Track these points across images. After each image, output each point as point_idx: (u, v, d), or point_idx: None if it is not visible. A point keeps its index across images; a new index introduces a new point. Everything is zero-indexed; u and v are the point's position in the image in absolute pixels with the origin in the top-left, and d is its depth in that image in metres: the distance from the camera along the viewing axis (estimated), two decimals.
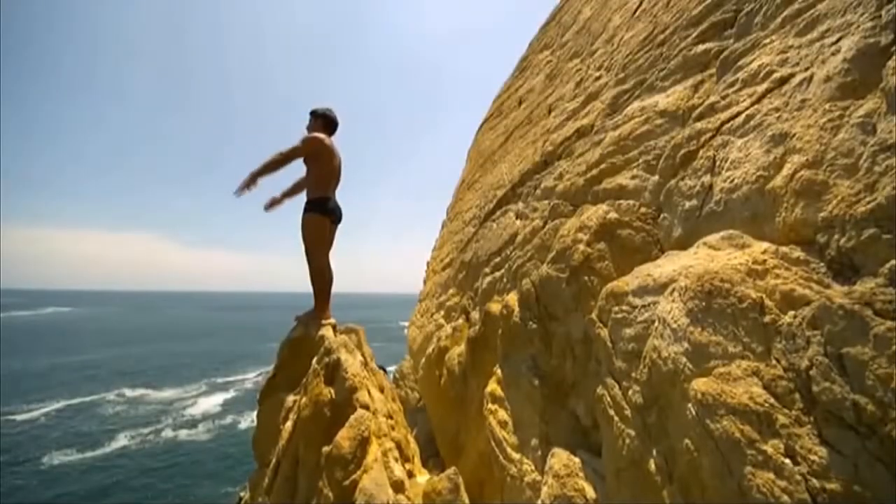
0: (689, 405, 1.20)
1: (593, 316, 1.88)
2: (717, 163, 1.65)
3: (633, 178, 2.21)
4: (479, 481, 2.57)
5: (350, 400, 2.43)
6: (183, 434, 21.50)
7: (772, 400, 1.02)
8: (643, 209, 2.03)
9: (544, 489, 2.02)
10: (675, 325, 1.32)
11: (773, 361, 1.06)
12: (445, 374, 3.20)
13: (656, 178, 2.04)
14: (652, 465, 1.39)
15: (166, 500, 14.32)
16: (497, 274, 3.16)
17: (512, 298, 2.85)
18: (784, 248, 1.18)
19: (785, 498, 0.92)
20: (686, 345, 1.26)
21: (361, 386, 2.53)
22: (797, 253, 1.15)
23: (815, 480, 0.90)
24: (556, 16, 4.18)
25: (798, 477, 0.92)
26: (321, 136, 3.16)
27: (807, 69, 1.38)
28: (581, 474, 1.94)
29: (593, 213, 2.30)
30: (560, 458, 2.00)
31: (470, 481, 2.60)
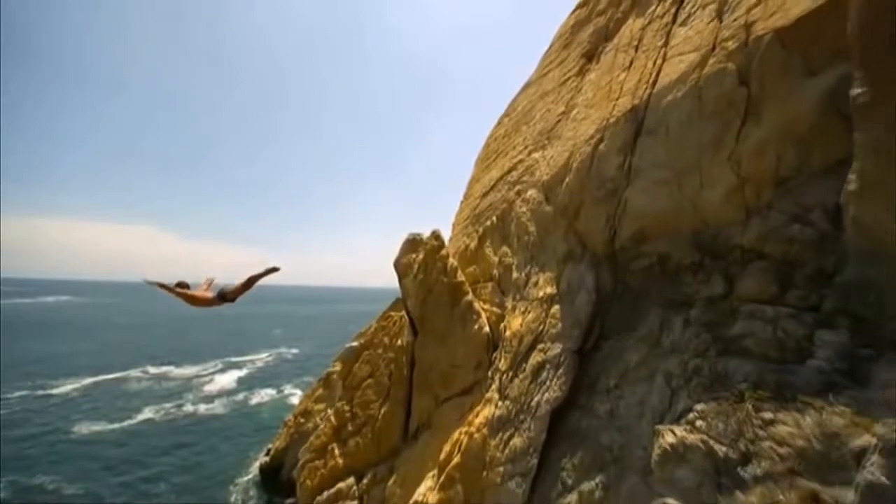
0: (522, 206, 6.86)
1: (511, 212, 7.52)
2: (535, 170, 7.28)
3: (527, 178, 7.81)
4: (482, 272, 8.40)
5: (443, 244, 8.18)
6: (202, 408, 23.34)
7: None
8: (526, 185, 7.68)
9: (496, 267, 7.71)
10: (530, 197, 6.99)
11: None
12: (468, 253, 8.98)
13: (531, 178, 7.66)
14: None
15: (188, 468, 15.82)
16: (489, 213, 8.94)
17: (493, 218, 8.61)
18: (537, 189, 6.80)
19: None
20: (535, 193, 6.90)
21: (445, 243, 8.23)
22: (542, 196, 6.79)
23: None
24: (514, 101, 9.85)
25: None
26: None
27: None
28: (508, 256, 7.61)
29: (514, 189, 7.97)
30: (501, 254, 7.68)
31: (482, 272, 8.35)
